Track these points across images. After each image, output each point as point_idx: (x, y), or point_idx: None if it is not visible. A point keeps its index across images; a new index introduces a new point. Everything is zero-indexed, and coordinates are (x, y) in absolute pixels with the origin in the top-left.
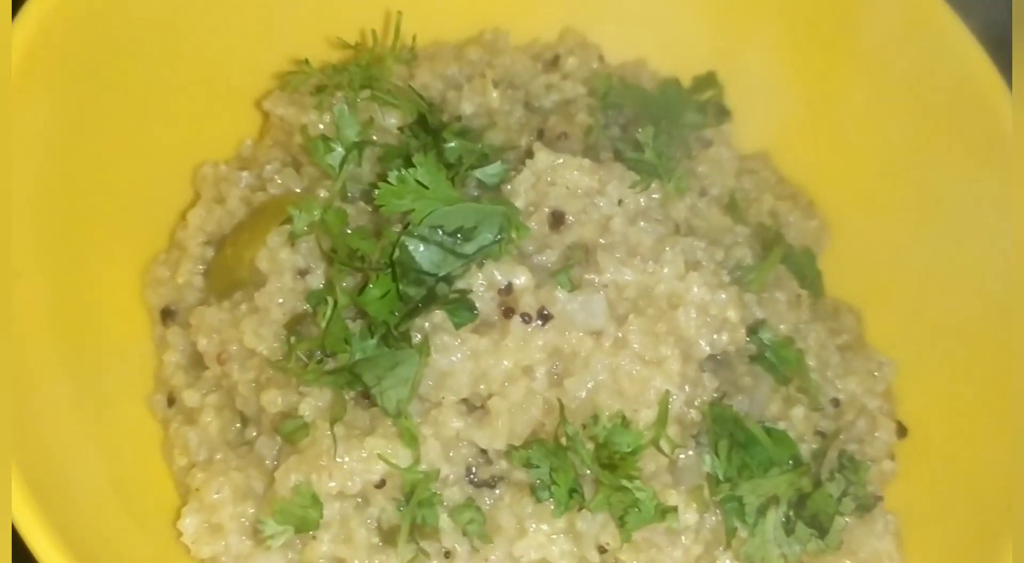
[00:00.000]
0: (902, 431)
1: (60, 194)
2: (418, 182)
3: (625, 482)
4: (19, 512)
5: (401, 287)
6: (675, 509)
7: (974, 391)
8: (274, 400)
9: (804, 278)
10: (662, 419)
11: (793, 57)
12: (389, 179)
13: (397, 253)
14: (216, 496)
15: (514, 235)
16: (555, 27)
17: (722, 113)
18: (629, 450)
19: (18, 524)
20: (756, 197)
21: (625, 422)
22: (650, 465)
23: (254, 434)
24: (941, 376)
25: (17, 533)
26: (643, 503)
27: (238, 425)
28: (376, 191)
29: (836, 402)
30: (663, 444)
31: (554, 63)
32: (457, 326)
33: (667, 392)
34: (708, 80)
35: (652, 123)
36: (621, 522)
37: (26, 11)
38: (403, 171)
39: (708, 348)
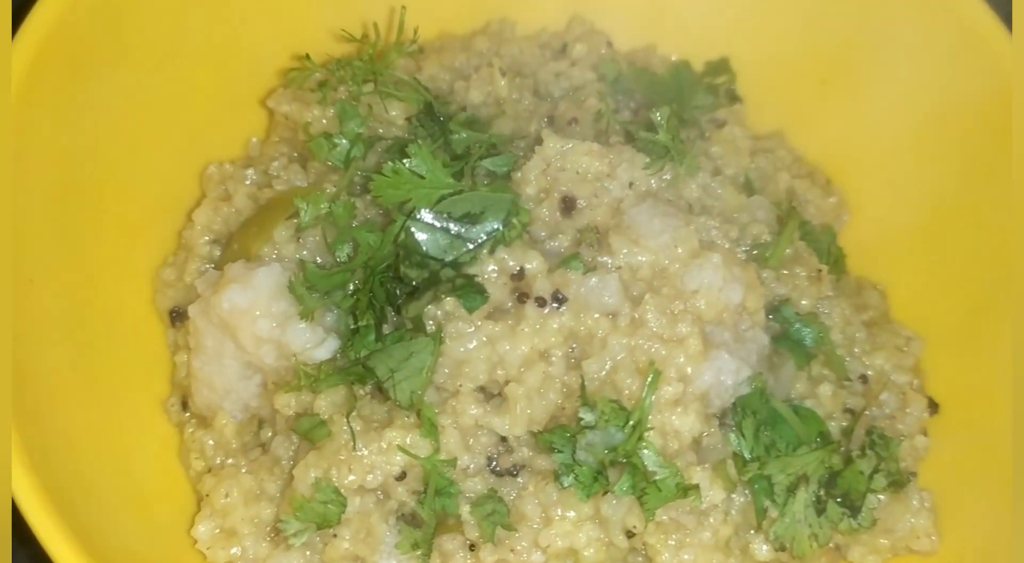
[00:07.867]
0: (934, 407)
1: (69, 199)
2: (413, 172)
3: (646, 460)
4: (37, 519)
5: (402, 269)
6: (697, 487)
7: (1005, 364)
8: (288, 403)
9: (824, 255)
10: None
11: (804, 37)
12: (384, 171)
13: (402, 237)
14: (225, 500)
15: (516, 221)
16: (562, 17)
17: (734, 98)
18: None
19: (37, 530)
20: (772, 176)
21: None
22: (672, 444)
23: (269, 435)
24: (970, 351)
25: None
26: (664, 481)
27: (254, 427)
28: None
29: (864, 378)
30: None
31: (562, 51)
32: (469, 310)
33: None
34: (721, 65)
35: (664, 105)
36: (642, 501)
37: (31, 17)
38: (397, 162)
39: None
